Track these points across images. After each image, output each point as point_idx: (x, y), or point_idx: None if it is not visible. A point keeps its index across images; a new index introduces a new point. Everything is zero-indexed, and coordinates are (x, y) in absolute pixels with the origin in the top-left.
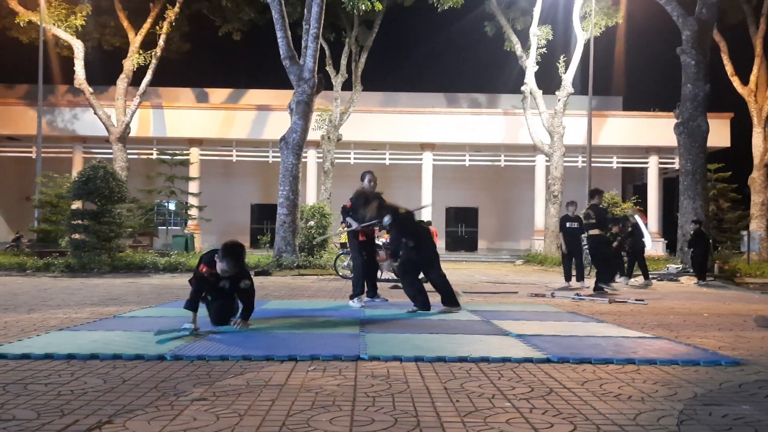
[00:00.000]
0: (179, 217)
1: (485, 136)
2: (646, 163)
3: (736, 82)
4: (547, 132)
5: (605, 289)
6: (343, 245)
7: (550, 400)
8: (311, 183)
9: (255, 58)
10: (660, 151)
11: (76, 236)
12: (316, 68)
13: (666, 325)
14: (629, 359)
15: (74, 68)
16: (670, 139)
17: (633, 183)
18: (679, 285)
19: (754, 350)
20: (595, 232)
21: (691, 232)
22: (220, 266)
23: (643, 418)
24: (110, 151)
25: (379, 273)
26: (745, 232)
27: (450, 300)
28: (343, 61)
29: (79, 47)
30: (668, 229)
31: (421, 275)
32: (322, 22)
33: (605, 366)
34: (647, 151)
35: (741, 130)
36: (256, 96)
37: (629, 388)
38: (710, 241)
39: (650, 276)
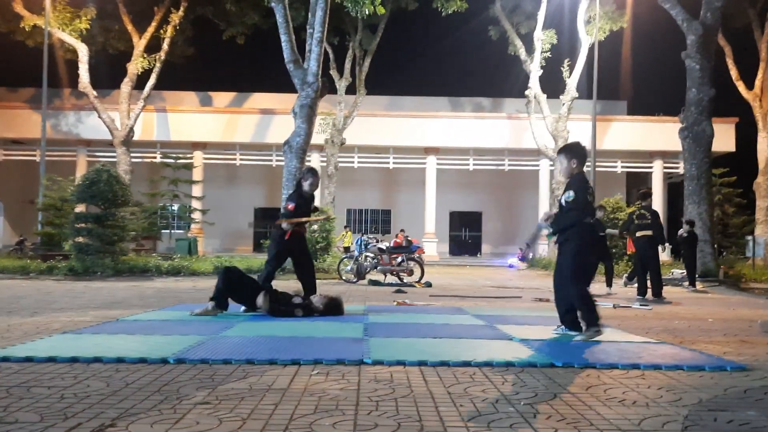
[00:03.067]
0: (183, 220)
1: (489, 140)
2: (651, 167)
3: (741, 86)
4: (551, 136)
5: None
6: (346, 249)
7: (554, 405)
8: None
9: (259, 62)
10: (664, 155)
11: (80, 239)
12: (320, 72)
13: (671, 330)
14: (634, 364)
15: (79, 72)
16: (675, 144)
17: (637, 188)
18: (683, 290)
19: (759, 356)
20: (648, 233)
21: (685, 234)
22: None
23: (647, 424)
24: (114, 154)
25: (382, 278)
26: (750, 237)
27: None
28: (347, 65)
29: (83, 51)
30: (673, 234)
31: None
32: (326, 26)
33: (610, 371)
34: (652, 155)
35: (746, 135)
36: (259, 100)
37: (634, 393)
38: (697, 243)
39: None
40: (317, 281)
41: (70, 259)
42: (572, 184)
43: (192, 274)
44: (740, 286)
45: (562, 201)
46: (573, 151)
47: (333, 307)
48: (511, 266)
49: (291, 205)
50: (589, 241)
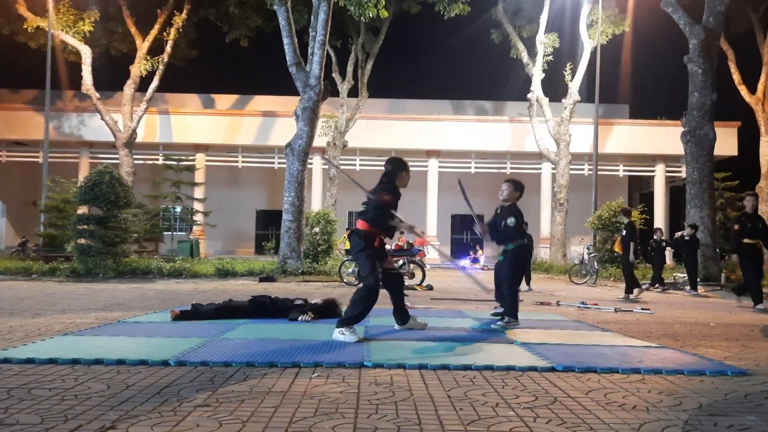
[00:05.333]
0: (185, 222)
1: (491, 144)
2: (653, 171)
3: (743, 90)
4: (553, 139)
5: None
6: (348, 252)
7: (555, 409)
8: (317, 189)
9: (261, 65)
10: (667, 159)
11: (82, 241)
12: (323, 75)
13: (672, 334)
14: (634, 368)
15: (82, 74)
16: (677, 148)
17: (640, 191)
18: (685, 294)
19: (760, 360)
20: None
21: (687, 237)
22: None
23: (647, 428)
24: (117, 156)
25: None
26: None
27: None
28: (350, 68)
29: (86, 53)
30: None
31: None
32: (329, 28)
33: (610, 375)
34: (654, 159)
35: (748, 139)
36: (262, 102)
37: (634, 397)
38: (699, 247)
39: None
40: (319, 283)
41: (72, 260)
42: (513, 211)
43: (193, 276)
44: None
45: (507, 223)
46: (521, 186)
47: (331, 310)
48: (463, 268)
49: (387, 196)
50: (522, 257)
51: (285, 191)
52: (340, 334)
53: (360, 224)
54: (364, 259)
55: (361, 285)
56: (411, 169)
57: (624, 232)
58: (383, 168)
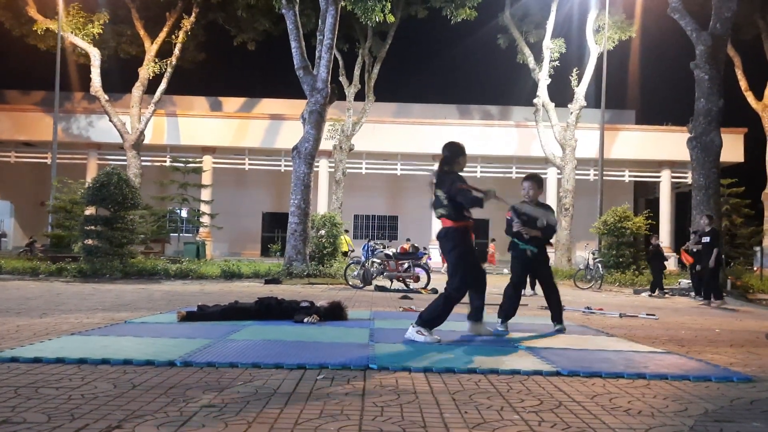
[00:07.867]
0: (191, 224)
1: (497, 148)
2: (659, 177)
3: (750, 97)
4: (559, 145)
5: None
6: (344, 254)
7: (560, 414)
8: (323, 192)
9: (269, 68)
10: (672, 165)
11: (89, 242)
12: (330, 78)
13: (677, 340)
14: (640, 374)
15: (90, 76)
16: (683, 154)
17: (645, 197)
18: (690, 300)
19: (766, 367)
20: None
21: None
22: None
23: None
24: (124, 158)
25: (388, 284)
26: (758, 248)
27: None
28: (357, 72)
29: (95, 55)
30: (680, 243)
31: None
32: (336, 33)
33: (615, 380)
34: (660, 165)
35: (755, 146)
36: (269, 105)
37: (639, 402)
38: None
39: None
40: (324, 286)
41: (80, 261)
42: (549, 209)
43: (200, 277)
44: (748, 296)
45: (552, 221)
46: (541, 182)
47: (337, 312)
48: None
49: (461, 184)
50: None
51: (291, 194)
52: (418, 335)
53: (445, 223)
54: (455, 259)
55: (447, 289)
56: (417, 172)
57: (708, 239)
58: (389, 172)
